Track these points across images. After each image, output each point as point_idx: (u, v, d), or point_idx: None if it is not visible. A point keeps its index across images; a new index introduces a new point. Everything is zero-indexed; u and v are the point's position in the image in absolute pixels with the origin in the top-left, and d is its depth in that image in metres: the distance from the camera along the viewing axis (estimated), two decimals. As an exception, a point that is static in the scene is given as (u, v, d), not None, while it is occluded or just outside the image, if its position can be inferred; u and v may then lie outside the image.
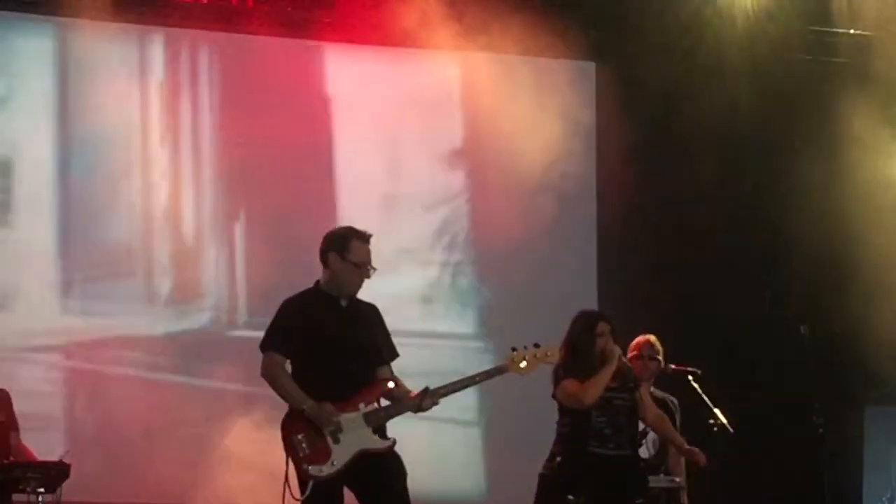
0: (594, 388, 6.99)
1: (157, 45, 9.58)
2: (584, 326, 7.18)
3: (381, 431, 6.19)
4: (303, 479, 6.06)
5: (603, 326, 7.15)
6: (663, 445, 7.81)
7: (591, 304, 9.76)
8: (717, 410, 7.76)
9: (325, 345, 6.19)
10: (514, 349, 6.37)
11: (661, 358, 7.91)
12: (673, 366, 7.97)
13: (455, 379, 6.29)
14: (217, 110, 9.69)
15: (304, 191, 9.63)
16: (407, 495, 6.12)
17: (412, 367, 6.59)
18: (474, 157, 9.85)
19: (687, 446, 7.48)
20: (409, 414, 6.25)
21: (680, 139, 9.82)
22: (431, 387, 6.23)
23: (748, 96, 10.00)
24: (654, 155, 9.87)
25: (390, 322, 6.44)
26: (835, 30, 10.24)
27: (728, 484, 8.26)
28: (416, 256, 9.84)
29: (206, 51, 9.73)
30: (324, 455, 6.05)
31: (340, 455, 6.06)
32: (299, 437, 6.08)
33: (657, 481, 7.57)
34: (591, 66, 10.32)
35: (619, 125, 9.97)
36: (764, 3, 10.03)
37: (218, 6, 9.60)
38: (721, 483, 8.15)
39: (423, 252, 9.89)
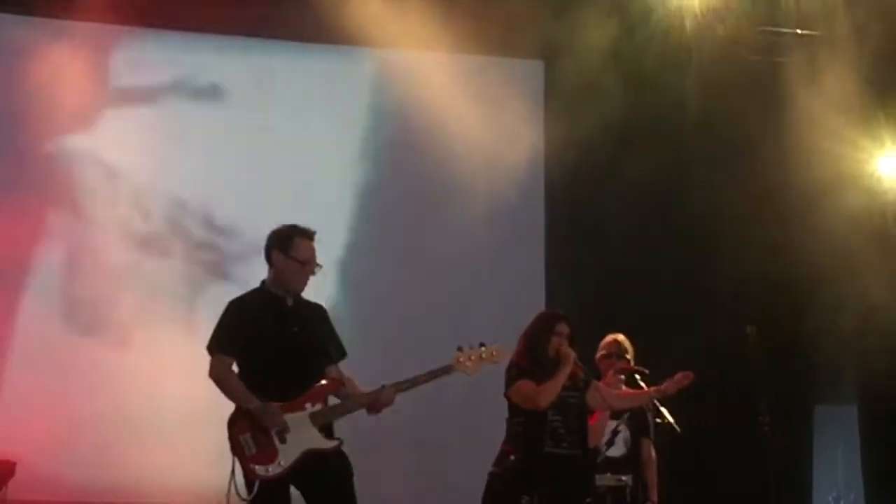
0: (549, 393, 7.10)
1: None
2: (542, 325, 7.31)
3: (327, 431, 6.27)
4: (250, 479, 6.12)
5: (562, 327, 7.26)
6: (635, 443, 7.93)
7: (539, 304, 9.85)
8: (664, 410, 7.82)
9: (271, 345, 6.26)
10: (459, 348, 6.47)
11: (629, 357, 8.00)
12: (621, 366, 8.05)
13: (402, 378, 6.37)
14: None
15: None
16: (353, 495, 6.22)
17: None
18: (420, 157, 9.86)
19: (662, 387, 7.51)
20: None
21: (629, 139, 9.89)
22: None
23: (697, 96, 10.10)
24: (602, 155, 9.93)
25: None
26: (782, 30, 10.33)
27: (676, 483, 8.35)
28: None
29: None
30: (271, 455, 6.12)
31: (287, 455, 6.13)
32: (246, 436, 6.15)
33: (603, 479, 7.67)
34: (539, 65, 10.36)
35: (568, 125, 10.03)
36: (712, 4, 10.11)
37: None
38: (669, 482, 8.24)
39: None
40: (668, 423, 7.80)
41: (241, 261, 9.40)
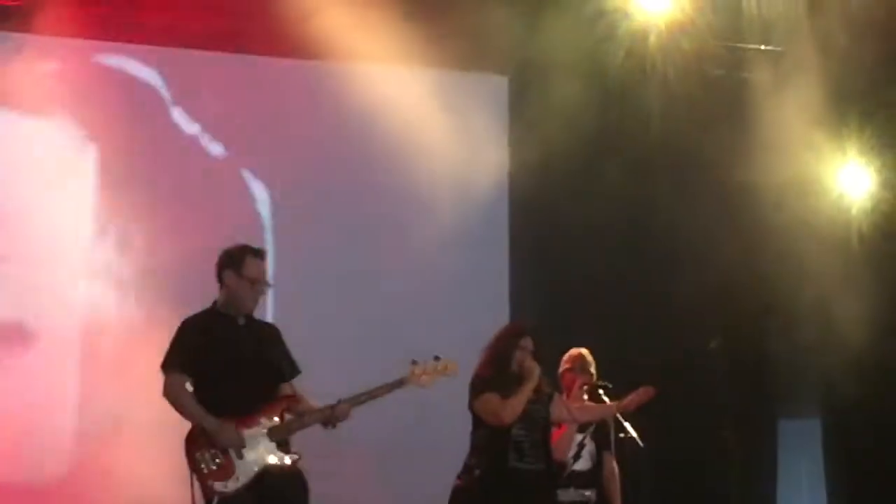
0: (513, 408, 7.13)
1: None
2: (507, 339, 7.34)
3: (284, 447, 6.34)
4: (208, 496, 6.19)
5: (526, 342, 7.30)
6: (599, 456, 7.93)
7: (503, 318, 9.85)
8: (627, 424, 7.84)
9: (224, 364, 6.34)
10: (414, 362, 6.61)
11: (593, 371, 8.03)
12: (585, 381, 8.07)
13: (358, 392, 6.49)
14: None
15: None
16: None
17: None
18: (384, 171, 9.85)
19: (624, 402, 7.57)
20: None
21: (593, 153, 9.91)
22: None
23: (661, 111, 10.13)
24: (566, 169, 9.95)
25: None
26: (746, 45, 10.39)
27: (639, 498, 8.36)
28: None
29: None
30: (228, 471, 6.19)
31: (244, 471, 6.21)
32: (203, 453, 6.22)
33: (567, 494, 7.68)
34: (503, 81, 10.38)
35: (532, 140, 10.05)
36: (677, 18, 10.14)
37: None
38: (632, 497, 8.25)
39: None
40: (631, 437, 7.82)
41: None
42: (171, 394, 6.34)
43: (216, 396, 6.29)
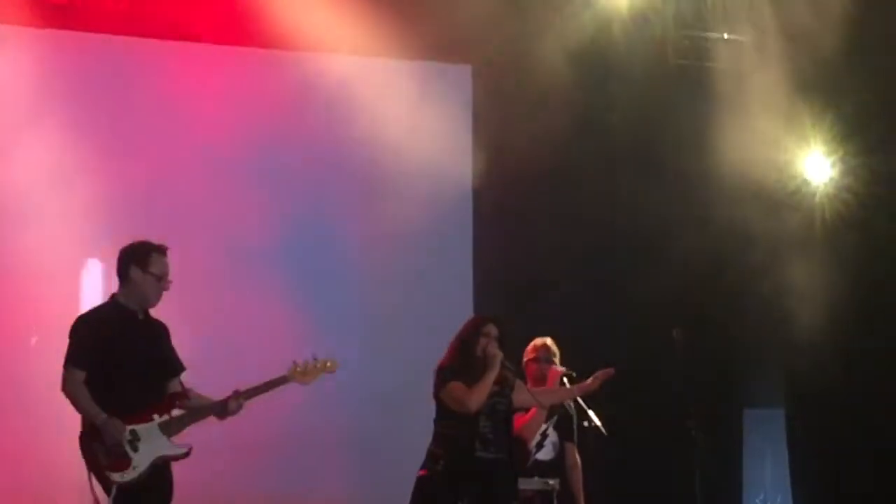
0: (478, 395, 7.14)
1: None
2: (471, 327, 7.36)
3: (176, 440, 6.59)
4: (106, 487, 6.39)
5: (490, 328, 7.32)
6: (562, 446, 7.96)
7: (467, 309, 9.86)
8: (591, 412, 7.87)
9: (121, 359, 6.53)
10: (295, 361, 6.78)
11: (556, 361, 8.04)
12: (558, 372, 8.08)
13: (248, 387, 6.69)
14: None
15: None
16: None
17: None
18: (345, 161, 9.83)
19: (587, 383, 7.59)
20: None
21: (557, 143, 9.91)
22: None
23: (624, 99, 10.16)
24: (530, 160, 9.96)
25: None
26: (709, 34, 10.42)
27: (604, 487, 8.38)
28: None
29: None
30: (125, 462, 6.42)
31: (141, 461, 6.45)
32: (98, 445, 6.42)
33: (531, 483, 7.70)
34: (466, 70, 10.38)
35: (496, 129, 10.06)
36: (640, 7, 10.18)
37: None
38: (596, 486, 8.27)
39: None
40: (596, 426, 7.84)
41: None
42: (68, 389, 6.49)
43: (112, 391, 6.45)
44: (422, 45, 9.83)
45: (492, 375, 7.18)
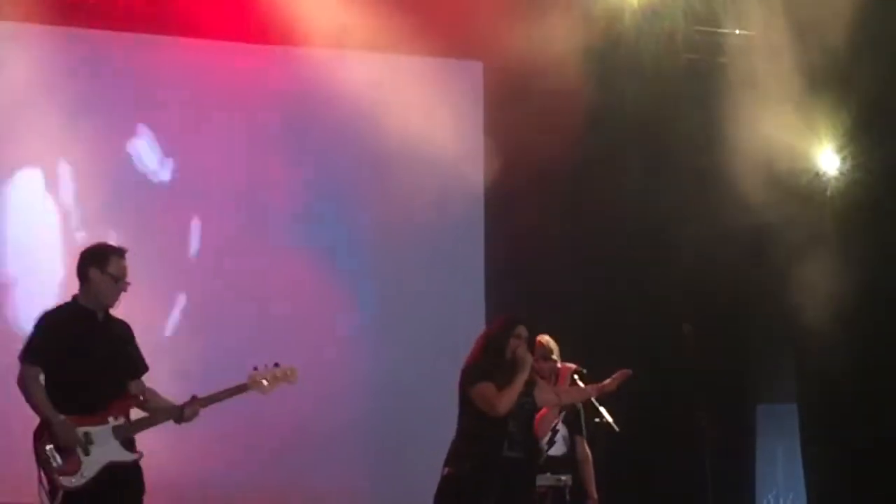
0: (508, 399, 7.16)
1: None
2: (502, 326, 7.36)
3: (129, 444, 6.62)
4: (53, 490, 6.43)
5: (521, 330, 7.34)
6: (572, 440, 8.01)
7: (479, 306, 9.89)
8: (602, 409, 7.87)
9: (79, 359, 6.57)
10: (255, 368, 6.83)
11: (556, 358, 8.04)
12: (558, 364, 8.08)
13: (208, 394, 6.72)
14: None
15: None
16: None
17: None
18: (355, 158, 9.85)
19: (605, 383, 7.59)
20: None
21: (566, 139, 9.91)
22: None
23: (635, 95, 10.16)
24: (540, 155, 9.96)
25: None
26: (719, 30, 10.42)
27: (615, 482, 8.39)
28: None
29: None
30: (74, 466, 6.44)
31: (90, 467, 6.46)
32: (51, 448, 6.45)
33: (543, 479, 7.71)
34: (478, 66, 10.38)
35: (506, 124, 10.07)
36: (650, 2, 10.17)
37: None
38: (608, 481, 8.28)
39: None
40: (607, 422, 7.85)
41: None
42: (24, 385, 6.53)
43: (68, 390, 6.49)
44: (433, 42, 9.83)
45: (522, 379, 7.19)
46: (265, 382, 6.81)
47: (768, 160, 9.89)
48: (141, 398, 6.71)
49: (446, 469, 7.16)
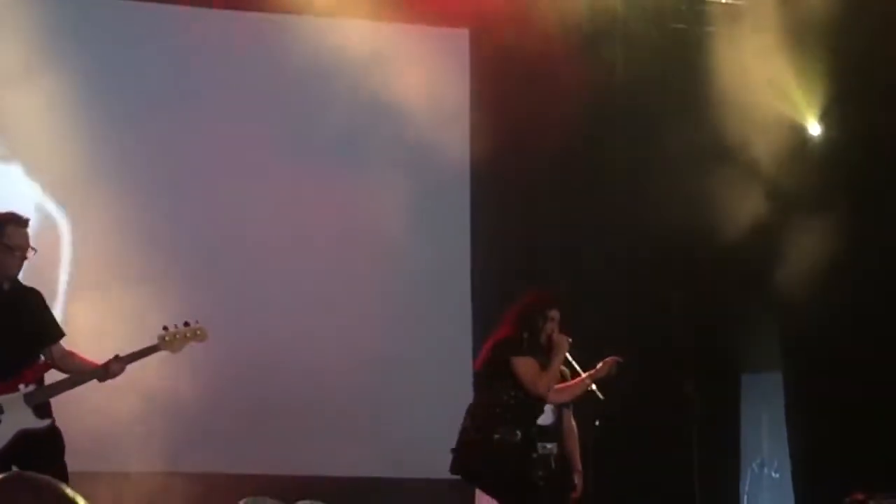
0: (550, 381, 7.40)
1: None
2: (537, 307, 7.45)
3: (41, 411, 6.60)
4: None
5: (554, 313, 7.42)
6: (559, 411, 8.12)
7: (464, 277, 9.90)
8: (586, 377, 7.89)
9: None
10: (165, 328, 6.85)
11: None
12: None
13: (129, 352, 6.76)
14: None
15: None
16: (65, 471, 6.54)
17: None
18: (341, 125, 9.82)
19: (596, 370, 7.74)
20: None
21: (553, 107, 9.90)
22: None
23: (623, 64, 10.15)
24: (527, 123, 9.96)
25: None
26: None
27: (598, 453, 8.43)
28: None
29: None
30: None
31: (1, 436, 6.48)
32: None
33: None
34: (464, 34, 10.35)
35: (493, 93, 10.06)
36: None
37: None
38: (593, 451, 8.32)
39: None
40: (592, 390, 7.88)
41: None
42: None
43: None
44: (419, 9, 9.80)
45: (559, 362, 7.36)
46: (174, 342, 6.83)
47: (753, 130, 9.89)
48: (48, 366, 6.71)
49: (494, 434, 7.29)
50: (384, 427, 9.48)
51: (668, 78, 10.29)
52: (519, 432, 7.29)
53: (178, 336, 6.84)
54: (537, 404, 7.43)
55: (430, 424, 9.01)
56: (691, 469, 8.95)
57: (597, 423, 8.23)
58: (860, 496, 8.98)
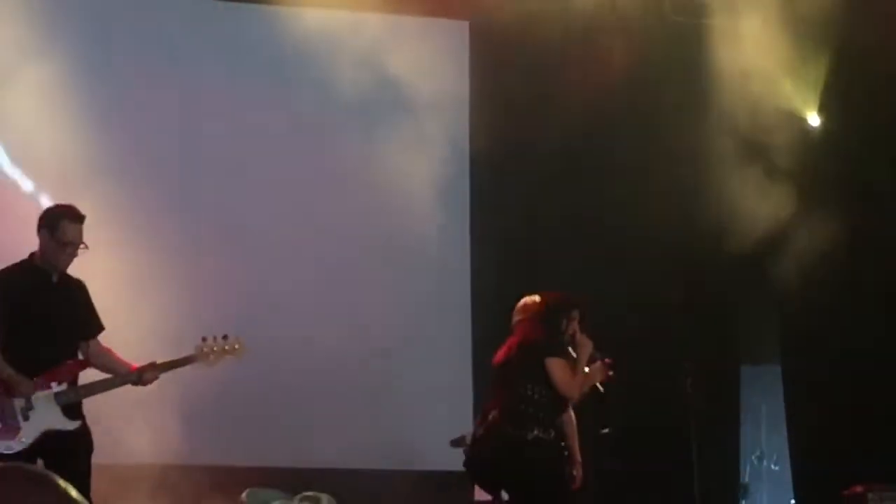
0: (580, 385, 7.44)
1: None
2: (560, 308, 7.51)
3: (71, 411, 6.57)
4: None
5: (576, 314, 7.48)
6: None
7: (464, 266, 9.92)
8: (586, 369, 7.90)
9: (27, 321, 6.55)
10: (203, 339, 6.83)
11: None
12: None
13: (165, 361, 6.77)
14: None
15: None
16: (89, 472, 6.55)
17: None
18: (341, 116, 9.84)
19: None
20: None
21: (553, 99, 9.92)
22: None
23: (621, 57, 10.15)
24: (527, 114, 9.97)
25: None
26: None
27: (598, 444, 8.45)
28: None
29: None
30: (13, 432, 6.45)
31: (28, 432, 6.46)
32: None
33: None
34: (464, 26, 10.36)
35: (493, 85, 10.08)
36: (637, -36, 10.15)
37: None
38: (593, 443, 8.34)
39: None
40: (595, 386, 7.90)
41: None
42: None
43: (15, 352, 6.48)
44: (419, 1, 9.81)
45: (585, 363, 7.40)
46: (211, 355, 6.80)
47: (753, 123, 9.91)
48: (85, 363, 6.69)
49: (532, 432, 7.32)
50: (386, 420, 9.51)
51: (668, 71, 10.29)
52: (553, 431, 7.35)
53: (215, 349, 6.82)
54: (563, 402, 7.45)
55: (431, 418, 9.06)
56: (692, 462, 8.95)
57: (605, 430, 8.29)
58: (859, 488, 9.01)
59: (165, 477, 8.75)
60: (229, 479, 8.65)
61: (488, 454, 7.44)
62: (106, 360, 6.77)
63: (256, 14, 9.85)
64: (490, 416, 7.52)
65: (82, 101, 9.07)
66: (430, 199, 9.89)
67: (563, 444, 7.54)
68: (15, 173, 9.11)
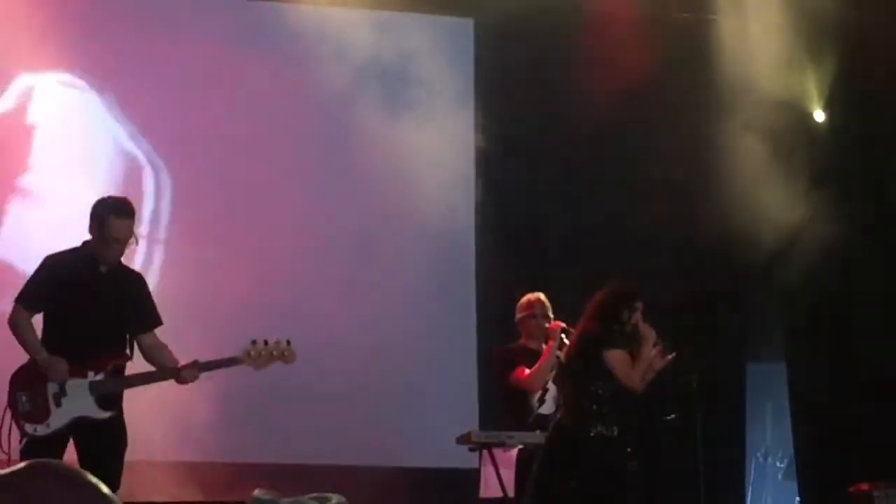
0: (640, 376, 7.32)
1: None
2: (622, 299, 7.42)
3: (105, 401, 6.50)
4: (21, 435, 6.43)
5: (639, 304, 7.40)
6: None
7: (469, 261, 9.93)
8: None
9: (73, 308, 6.52)
10: (253, 342, 6.76)
11: (551, 315, 8.08)
12: (546, 324, 8.14)
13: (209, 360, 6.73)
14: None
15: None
16: (120, 466, 6.49)
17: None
18: (343, 115, 9.82)
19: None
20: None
21: (558, 95, 9.93)
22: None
23: (626, 54, 10.15)
24: (532, 113, 9.98)
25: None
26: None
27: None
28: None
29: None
30: (42, 415, 6.41)
31: (57, 419, 6.42)
32: (22, 394, 6.44)
33: (531, 437, 7.87)
34: (468, 24, 10.36)
35: (497, 83, 10.08)
36: (642, -40, 10.16)
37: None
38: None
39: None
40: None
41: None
42: (13, 323, 6.54)
43: (56, 338, 6.48)
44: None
45: (648, 352, 7.31)
46: (258, 359, 6.74)
47: (757, 118, 9.92)
48: (124, 358, 6.64)
49: (595, 429, 7.22)
50: (391, 417, 9.51)
51: (674, 67, 10.30)
52: (616, 428, 7.25)
53: (263, 353, 6.74)
54: (629, 395, 7.35)
55: (436, 415, 9.07)
56: (696, 459, 8.95)
57: (671, 417, 8.24)
58: (865, 486, 9.02)
59: (173, 474, 8.78)
60: (229, 478, 8.65)
61: (544, 454, 7.39)
62: (157, 356, 6.70)
63: (258, 11, 9.85)
64: (558, 415, 7.54)
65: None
66: (433, 198, 9.89)
67: (628, 440, 7.38)
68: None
